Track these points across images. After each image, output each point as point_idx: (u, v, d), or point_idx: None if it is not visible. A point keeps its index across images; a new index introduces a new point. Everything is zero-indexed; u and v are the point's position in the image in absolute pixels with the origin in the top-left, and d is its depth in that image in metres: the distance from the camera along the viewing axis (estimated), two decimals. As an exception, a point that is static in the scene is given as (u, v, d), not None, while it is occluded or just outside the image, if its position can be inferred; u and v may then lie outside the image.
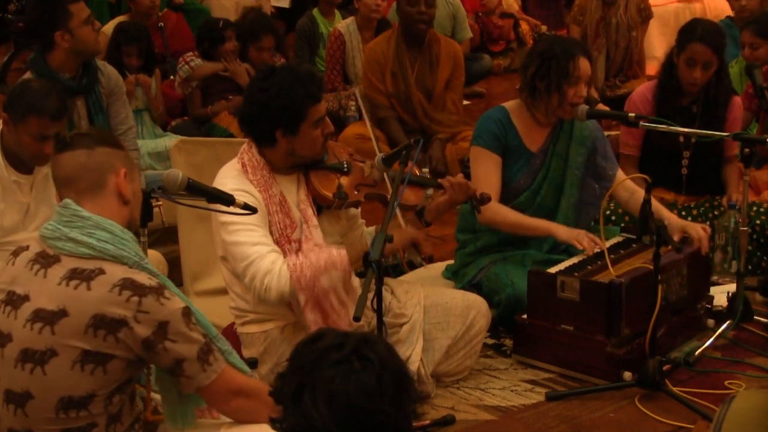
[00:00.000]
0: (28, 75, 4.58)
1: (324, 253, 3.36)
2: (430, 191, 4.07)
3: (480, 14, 8.98)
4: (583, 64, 4.12)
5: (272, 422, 1.91)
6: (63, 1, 4.46)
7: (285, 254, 3.38)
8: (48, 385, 2.53)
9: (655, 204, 4.25)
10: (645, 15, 7.21)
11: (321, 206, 3.55)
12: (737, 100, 4.86)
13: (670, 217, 4.19)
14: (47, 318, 2.53)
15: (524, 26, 9.11)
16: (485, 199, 3.72)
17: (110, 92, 4.73)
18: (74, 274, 2.53)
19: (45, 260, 2.59)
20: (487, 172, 4.16)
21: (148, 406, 2.87)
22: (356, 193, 3.56)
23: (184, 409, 2.77)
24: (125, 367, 2.57)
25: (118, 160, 2.68)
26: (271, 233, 3.40)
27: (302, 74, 3.42)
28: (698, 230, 4.11)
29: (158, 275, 2.63)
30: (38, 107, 3.71)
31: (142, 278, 2.55)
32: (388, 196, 3.44)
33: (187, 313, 2.59)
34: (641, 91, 4.91)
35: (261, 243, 3.34)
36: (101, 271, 2.53)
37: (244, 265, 3.34)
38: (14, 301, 2.60)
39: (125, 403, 2.66)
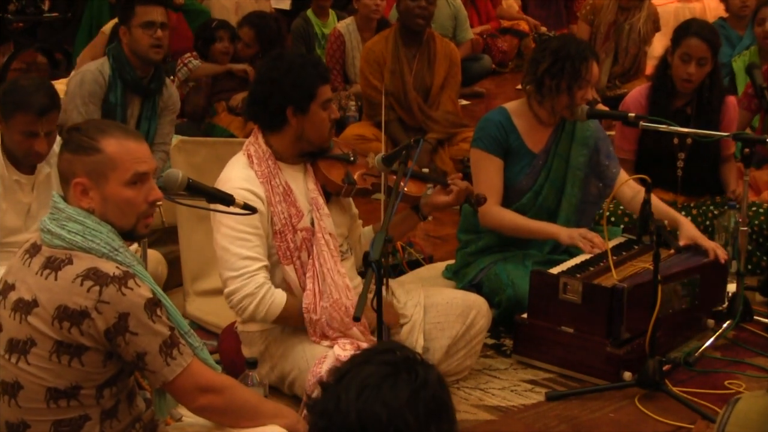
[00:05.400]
0: (104, 60, 4.83)
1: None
2: (429, 188, 4.06)
3: (485, 36, 8.93)
4: (594, 68, 4.12)
5: (308, 405, 1.92)
6: (134, 1, 4.75)
7: (284, 251, 3.42)
8: (34, 374, 2.55)
9: (670, 210, 4.25)
10: (656, 28, 7.25)
11: (329, 195, 3.58)
12: (732, 101, 4.85)
13: (684, 224, 4.18)
14: (24, 308, 2.56)
15: (530, 42, 9.00)
16: (481, 200, 3.75)
17: (165, 107, 4.92)
18: (48, 263, 2.56)
19: (33, 250, 2.63)
20: (488, 176, 4.16)
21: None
22: (364, 181, 3.60)
23: (161, 398, 2.76)
24: (103, 359, 2.56)
25: (79, 168, 2.58)
26: (274, 224, 3.42)
27: (311, 57, 3.56)
28: (710, 242, 4.10)
29: (131, 265, 2.58)
30: (24, 104, 3.70)
31: (108, 268, 2.53)
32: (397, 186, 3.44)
33: (151, 304, 2.55)
34: (634, 96, 4.90)
35: (250, 257, 3.38)
36: (69, 261, 2.54)
37: (227, 275, 3.40)
38: (4, 290, 2.64)
39: (122, 401, 2.66)
